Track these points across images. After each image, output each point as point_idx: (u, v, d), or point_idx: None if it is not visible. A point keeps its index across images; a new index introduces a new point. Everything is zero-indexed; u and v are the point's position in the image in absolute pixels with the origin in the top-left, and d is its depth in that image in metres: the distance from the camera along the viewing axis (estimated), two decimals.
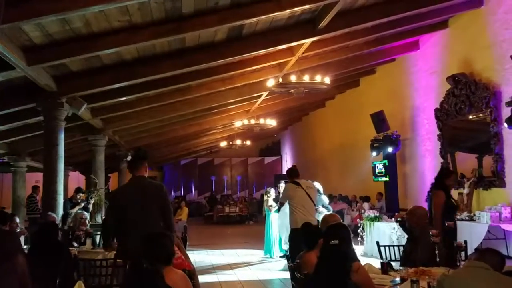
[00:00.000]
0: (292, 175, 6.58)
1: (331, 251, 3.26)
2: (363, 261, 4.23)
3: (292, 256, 6.23)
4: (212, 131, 16.37)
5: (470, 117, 8.67)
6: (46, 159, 7.26)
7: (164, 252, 2.59)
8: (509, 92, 7.26)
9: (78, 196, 8.46)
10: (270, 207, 9.71)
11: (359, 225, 10.23)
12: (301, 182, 6.43)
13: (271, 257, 9.35)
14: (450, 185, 5.60)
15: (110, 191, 11.50)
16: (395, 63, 11.38)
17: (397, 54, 10.77)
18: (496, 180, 7.87)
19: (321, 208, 7.91)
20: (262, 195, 18.04)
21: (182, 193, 23.81)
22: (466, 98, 8.56)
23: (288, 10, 6.36)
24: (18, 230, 6.16)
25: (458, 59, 8.95)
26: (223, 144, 18.43)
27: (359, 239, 9.82)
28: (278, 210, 7.24)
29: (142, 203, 3.95)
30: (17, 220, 6.22)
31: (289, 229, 6.64)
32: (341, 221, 4.51)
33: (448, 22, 9.28)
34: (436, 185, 5.48)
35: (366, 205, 11.35)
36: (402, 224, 5.01)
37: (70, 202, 8.37)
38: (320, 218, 7.58)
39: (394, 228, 8.41)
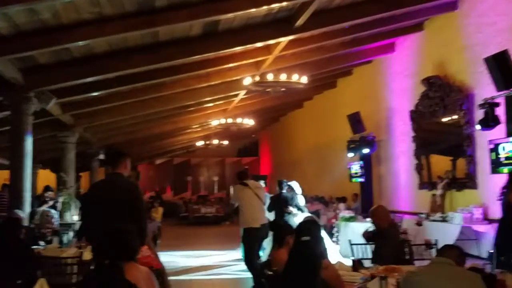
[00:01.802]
0: (241, 177, 6.90)
1: (302, 247, 3.26)
2: (338, 260, 4.25)
3: (246, 256, 6.36)
4: (188, 130, 16.24)
5: (444, 119, 8.82)
6: (13, 156, 7.05)
7: (125, 247, 2.53)
8: (482, 95, 7.40)
9: (47, 194, 8.26)
10: None
11: (334, 225, 10.29)
12: (249, 183, 6.74)
13: None
14: None
15: (79, 190, 11.27)
16: (371, 64, 11.51)
17: (373, 56, 10.89)
18: (468, 181, 8.01)
19: (291, 208, 7.91)
20: None
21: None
22: (440, 100, 8.70)
23: (264, 7, 6.33)
24: None
25: (433, 62, 9.09)
26: (200, 143, 18.31)
27: (334, 239, 9.87)
28: (236, 211, 7.29)
29: (112, 201, 3.86)
30: None
31: None
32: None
33: (423, 25, 9.42)
34: (509, 184, 5.15)
35: (342, 205, 11.42)
36: (367, 238, 4.89)
37: (38, 200, 8.16)
38: (293, 220, 7.67)
39: (368, 228, 8.47)
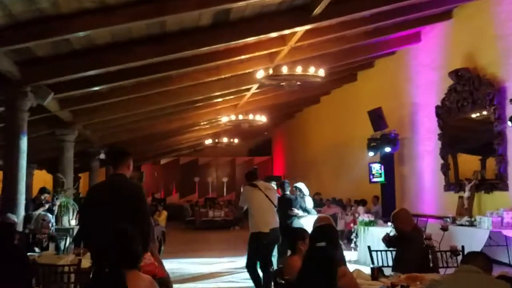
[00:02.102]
0: (251, 178, 6.87)
1: (317, 254, 3.26)
2: (356, 268, 4.25)
3: (250, 261, 6.38)
4: (196, 127, 16.28)
5: (473, 115, 8.76)
6: (7, 155, 7.13)
7: (127, 254, 2.54)
8: None
9: (43, 197, 8.31)
10: None
11: (353, 230, 10.27)
12: (259, 184, 6.71)
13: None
14: None
15: (78, 192, 11.35)
16: (394, 56, 11.45)
17: (397, 47, 10.84)
18: (499, 183, 7.94)
19: (296, 210, 7.93)
20: None
21: (163, 196, 23.70)
22: (469, 94, 8.63)
23: None
24: None
25: (462, 53, 9.02)
26: (208, 142, 18.38)
27: (353, 245, 9.85)
28: (245, 215, 7.31)
29: (113, 204, 3.88)
30: None
31: None
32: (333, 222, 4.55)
33: (452, 13, 9.35)
34: None
35: (361, 209, 11.38)
36: (388, 242, 4.89)
37: (33, 203, 8.23)
38: (299, 222, 7.68)
39: (389, 233, 8.44)
